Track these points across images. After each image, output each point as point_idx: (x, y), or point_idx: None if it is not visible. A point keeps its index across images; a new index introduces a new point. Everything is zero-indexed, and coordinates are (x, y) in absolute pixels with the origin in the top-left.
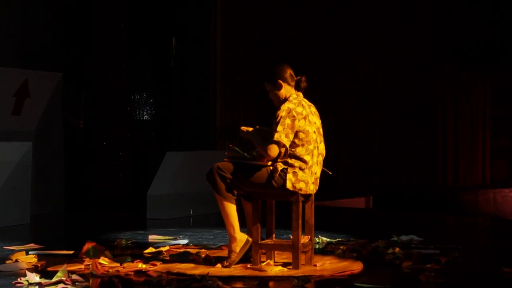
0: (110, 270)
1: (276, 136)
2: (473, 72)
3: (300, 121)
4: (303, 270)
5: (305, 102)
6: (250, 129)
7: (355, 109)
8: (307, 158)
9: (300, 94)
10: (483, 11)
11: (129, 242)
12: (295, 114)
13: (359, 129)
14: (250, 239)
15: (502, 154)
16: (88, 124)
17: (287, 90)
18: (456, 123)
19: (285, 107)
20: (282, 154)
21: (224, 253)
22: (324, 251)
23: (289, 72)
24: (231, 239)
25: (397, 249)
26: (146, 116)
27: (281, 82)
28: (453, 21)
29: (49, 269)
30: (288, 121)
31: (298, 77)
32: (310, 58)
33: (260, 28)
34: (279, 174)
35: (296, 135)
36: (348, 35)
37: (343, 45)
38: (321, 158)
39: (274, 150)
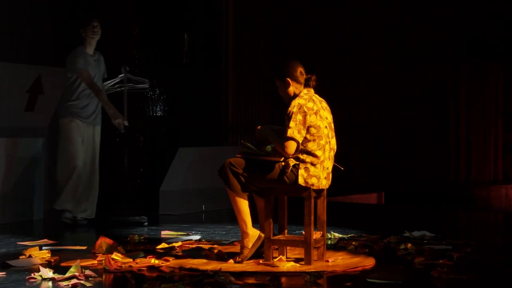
0: (123, 265)
1: (289, 132)
2: (485, 66)
3: (311, 116)
4: (315, 266)
5: (316, 97)
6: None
7: (367, 106)
8: (318, 153)
9: (311, 89)
10: (496, 5)
11: (142, 237)
12: (306, 110)
13: (372, 125)
14: (263, 235)
15: None
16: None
17: (295, 87)
18: (469, 118)
19: (295, 103)
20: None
21: (237, 248)
22: (336, 246)
23: (299, 70)
24: (244, 234)
25: (409, 245)
26: (159, 112)
27: (289, 80)
28: (466, 16)
29: (62, 264)
30: (299, 117)
31: (308, 76)
32: (323, 53)
33: (272, 24)
34: (291, 169)
35: (307, 130)
36: (361, 30)
37: (357, 41)
38: (332, 153)
39: (291, 147)
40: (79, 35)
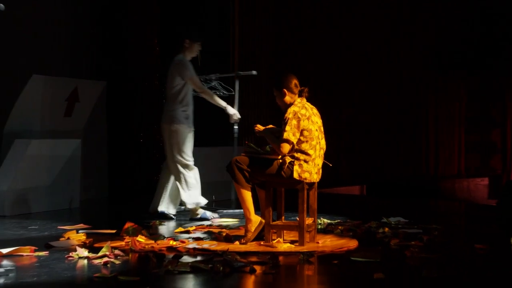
0: (146, 246)
1: (285, 135)
2: (451, 78)
3: (305, 121)
4: (308, 247)
5: (308, 105)
6: (262, 128)
7: (354, 113)
8: (310, 152)
9: (304, 99)
10: (464, 27)
11: (163, 223)
12: (300, 116)
13: (356, 129)
14: (263, 221)
15: (475, 148)
16: (128, 124)
17: (291, 97)
18: (437, 122)
19: (291, 110)
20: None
21: (241, 232)
22: (325, 230)
23: (294, 82)
24: (247, 220)
25: (386, 229)
26: None
27: (285, 91)
28: (438, 35)
29: (96, 245)
30: (294, 122)
31: (302, 88)
32: (319, 66)
33: (275, 37)
34: (287, 166)
35: (301, 133)
36: (350, 44)
37: (345, 53)
38: (322, 152)
39: (285, 147)
40: (182, 42)
